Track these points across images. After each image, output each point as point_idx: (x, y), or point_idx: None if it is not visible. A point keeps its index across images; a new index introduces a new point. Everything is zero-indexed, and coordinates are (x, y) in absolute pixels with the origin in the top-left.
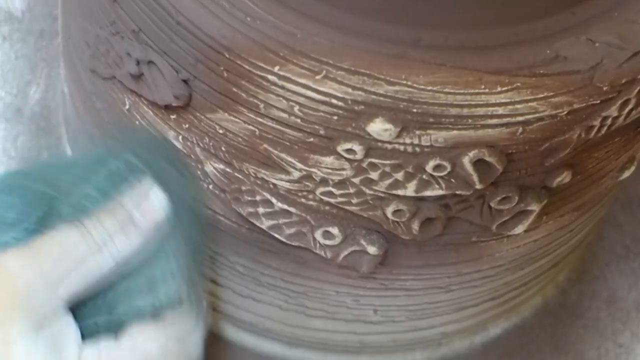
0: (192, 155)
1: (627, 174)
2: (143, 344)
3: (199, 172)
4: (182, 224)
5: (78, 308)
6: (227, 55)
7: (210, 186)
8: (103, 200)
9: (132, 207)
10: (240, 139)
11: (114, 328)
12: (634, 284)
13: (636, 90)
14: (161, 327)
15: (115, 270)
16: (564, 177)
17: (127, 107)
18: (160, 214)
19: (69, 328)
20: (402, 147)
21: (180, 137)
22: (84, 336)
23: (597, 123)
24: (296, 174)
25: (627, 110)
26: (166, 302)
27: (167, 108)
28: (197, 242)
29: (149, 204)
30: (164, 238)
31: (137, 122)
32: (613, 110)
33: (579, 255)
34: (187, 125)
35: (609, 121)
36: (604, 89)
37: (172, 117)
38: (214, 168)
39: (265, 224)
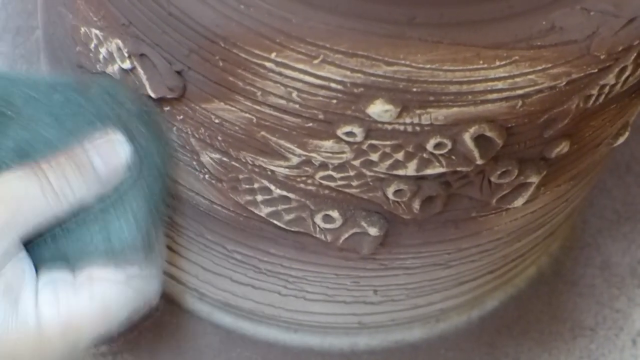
0: (187, 146)
1: (621, 139)
2: (101, 290)
3: (194, 163)
4: (144, 178)
5: (31, 244)
6: (222, 45)
7: (207, 176)
8: (58, 128)
9: (94, 153)
10: (237, 128)
11: (67, 264)
12: (627, 249)
13: (633, 57)
14: (118, 273)
15: (70, 213)
16: (563, 148)
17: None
18: (122, 165)
19: (24, 270)
20: (402, 127)
21: (174, 129)
22: (37, 269)
23: (595, 92)
24: (295, 160)
25: (624, 77)
26: (120, 249)
27: (161, 100)
28: (158, 198)
29: (112, 151)
30: (124, 188)
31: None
32: (611, 78)
33: (570, 224)
34: (181, 117)
35: (606, 89)
36: (601, 57)
37: (166, 109)
38: (210, 158)
39: (264, 211)
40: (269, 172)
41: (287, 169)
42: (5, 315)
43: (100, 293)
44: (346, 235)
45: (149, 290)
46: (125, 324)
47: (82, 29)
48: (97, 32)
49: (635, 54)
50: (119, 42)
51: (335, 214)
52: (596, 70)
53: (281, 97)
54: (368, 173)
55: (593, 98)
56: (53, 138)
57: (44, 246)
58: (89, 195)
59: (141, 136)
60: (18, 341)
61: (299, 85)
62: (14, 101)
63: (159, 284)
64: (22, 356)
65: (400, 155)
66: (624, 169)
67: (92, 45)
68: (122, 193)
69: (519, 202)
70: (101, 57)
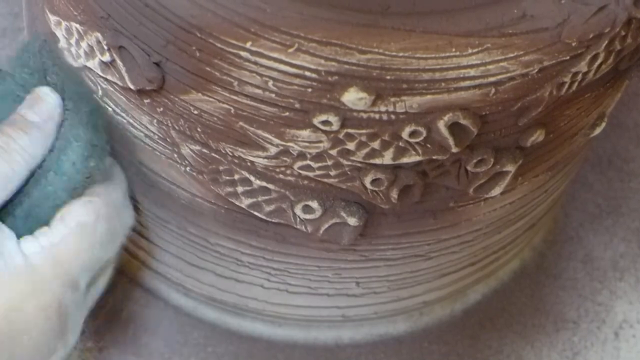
0: (168, 139)
1: (598, 130)
2: (71, 214)
3: (175, 155)
4: (71, 105)
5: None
6: (198, 35)
7: (188, 168)
8: None
9: (26, 110)
10: (215, 119)
11: (40, 222)
12: (609, 242)
13: (604, 45)
14: (85, 201)
15: (25, 169)
16: (538, 136)
17: (99, 94)
18: (53, 106)
19: (1, 229)
20: (377, 116)
21: (154, 121)
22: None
23: (567, 79)
24: (273, 150)
25: (596, 65)
26: (73, 172)
27: (141, 92)
28: (94, 124)
29: (40, 101)
30: (64, 128)
31: (110, 110)
32: (583, 66)
33: (553, 217)
34: (161, 109)
35: (579, 77)
36: (573, 44)
37: (146, 101)
38: (191, 150)
39: (244, 202)
40: (249, 163)
41: (265, 160)
42: None
43: (72, 219)
44: (326, 226)
45: (117, 200)
46: (109, 248)
47: (63, 24)
48: (78, 26)
49: (606, 42)
50: (99, 35)
51: (314, 204)
52: (568, 57)
53: (257, 87)
54: (345, 162)
55: (566, 86)
56: None
57: (13, 216)
58: (34, 143)
59: (53, 73)
60: (12, 282)
61: (274, 74)
62: None
63: (125, 195)
64: (21, 296)
65: (376, 144)
66: (605, 164)
67: (73, 40)
68: (64, 132)
69: (495, 191)
70: (82, 51)
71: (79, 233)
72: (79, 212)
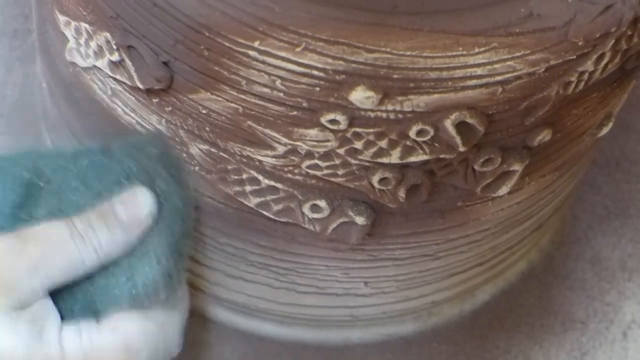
0: (176, 138)
1: (605, 130)
2: (123, 327)
3: (184, 155)
4: (166, 220)
5: (57, 295)
6: (206, 34)
7: (196, 168)
8: (85, 191)
9: (118, 205)
10: (223, 118)
11: (93, 315)
12: (617, 243)
13: (611, 44)
14: (141, 314)
15: (97, 263)
16: (544, 136)
17: (108, 94)
18: (145, 213)
19: (49, 310)
20: (384, 115)
21: (163, 121)
22: (63, 319)
23: (574, 79)
24: (281, 149)
25: (602, 64)
26: (144, 291)
27: (149, 92)
28: (181, 236)
29: (135, 202)
30: (148, 235)
31: (120, 111)
32: (589, 65)
33: (560, 218)
34: (169, 108)
35: (585, 76)
36: (579, 44)
37: (155, 100)
38: (199, 149)
39: (252, 202)
40: (257, 162)
41: (273, 159)
42: (30, 343)
43: (122, 329)
44: (334, 225)
45: (172, 331)
46: None
47: (73, 24)
48: (87, 26)
49: (613, 41)
50: (108, 35)
51: (322, 203)
52: (574, 56)
53: (265, 86)
54: (353, 161)
55: (572, 85)
56: (81, 200)
57: (72, 299)
58: (113, 243)
59: (162, 180)
60: None
61: (282, 73)
62: (44, 172)
63: (181, 327)
64: None
65: (384, 143)
66: (613, 166)
67: (83, 40)
68: (146, 239)
69: (503, 190)
70: (91, 51)
71: (123, 343)
72: (132, 329)
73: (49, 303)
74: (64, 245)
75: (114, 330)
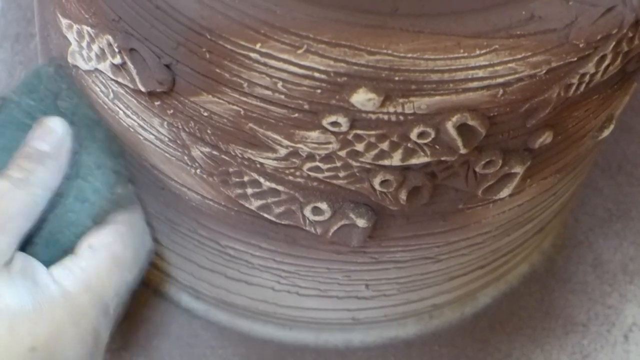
0: (178, 141)
1: (606, 133)
2: (98, 241)
3: (185, 158)
4: (83, 128)
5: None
6: (208, 36)
7: (198, 170)
8: (3, 145)
9: (36, 141)
10: (225, 120)
11: (63, 253)
12: (618, 246)
13: (612, 46)
14: (106, 223)
15: (46, 199)
16: (546, 138)
17: (110, 97)
18: (60, 134)
19: (30, 259)
20: (386, 117)
21: (165, 124)
22: None
23: (575, 81)
24: (283, 152)
25: (604, 66)
26: (98, 199)
27: (151, 95)
28: (104, 135)
29: (47, 130)
30: (83, 155)
31: (121, 114)
32: (590, 67)
33: (562, 221)
34: (171, 111)
35: (586, 78)
36: (580, 46)
37: (156, 103)
38: (201, 152)
39: (254, 204)
40: (258, 165)
41: (275, 161)
42: (31, 291)
43: (99, 244)
44: (335, 228)
45: (140, 225)
46: (135, 272)
47: (75, 27)
48: (89, 29)
49: (614, 43)
50: (110, 37)
51: (324, 205)
52: (575, 58)
53: (267, 88)
54: (354, 164)
55: (574, 87)
56: (2, 156)
57: (36, 248)
58: (50, 173)
59: (63, 99)
60: (52, 312)
61: (283, 75)
62: None
63: (144, 219)
64: (61, 326)
65: (385, 145)
66: (615, 169)
67: (85, 43)
68: (74, 157)
69: (504, 193)
70: (93, 54)
71: (110, 260)
72: (107, 239)
73: (25, 254)
74: (13, 195)
75: (92, 249)
